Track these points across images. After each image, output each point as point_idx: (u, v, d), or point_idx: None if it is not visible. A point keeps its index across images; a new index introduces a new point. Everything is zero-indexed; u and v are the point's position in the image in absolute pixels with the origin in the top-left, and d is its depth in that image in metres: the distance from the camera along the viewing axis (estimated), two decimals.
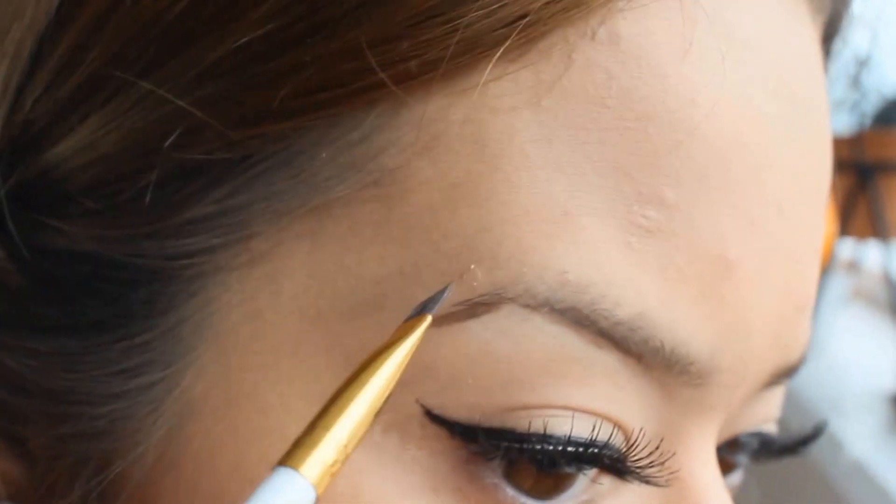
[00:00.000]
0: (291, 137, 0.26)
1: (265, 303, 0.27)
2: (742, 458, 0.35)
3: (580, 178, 0.26)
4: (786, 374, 0.33)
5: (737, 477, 0.37)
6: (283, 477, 0.22)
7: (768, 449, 0.35)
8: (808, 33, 0.31)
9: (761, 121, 0.28)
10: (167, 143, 0.27)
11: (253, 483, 0.27)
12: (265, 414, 0.27)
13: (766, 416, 0.34)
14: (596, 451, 0.27)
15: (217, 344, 0.28)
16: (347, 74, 0.26)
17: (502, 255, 0.26)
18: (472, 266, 0.26)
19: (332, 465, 0.23)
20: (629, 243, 0.27)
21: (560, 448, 0.27)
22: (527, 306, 0.26)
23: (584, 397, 0.27)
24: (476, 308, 0.26)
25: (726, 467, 0.35)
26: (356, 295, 0.27)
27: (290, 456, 0.22)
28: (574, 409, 0.27)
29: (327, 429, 0.23)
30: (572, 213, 0.26)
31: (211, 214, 0.27)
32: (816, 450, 0.38)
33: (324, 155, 0.26)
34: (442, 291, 0.26)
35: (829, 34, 0.36)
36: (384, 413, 0.27)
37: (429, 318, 0.25)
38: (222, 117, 0.26)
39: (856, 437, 0.89)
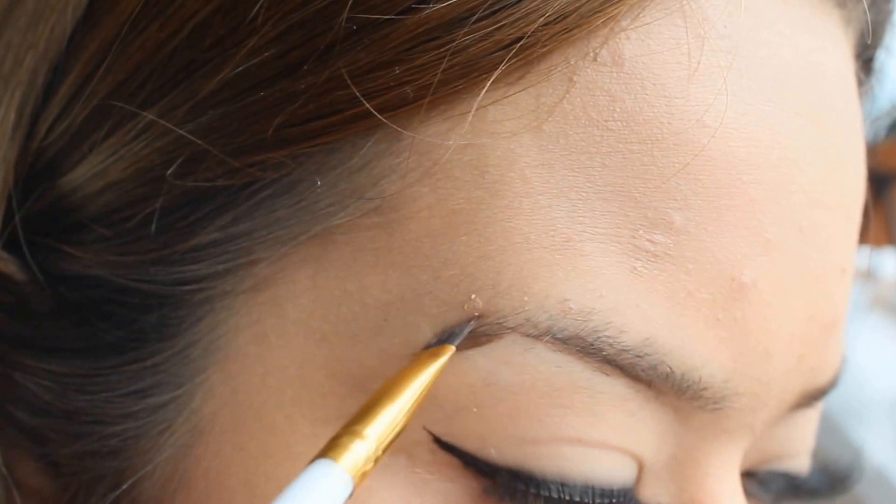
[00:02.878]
0: (291, 165, 0.26)
1: (271, 326, 0.28)
2: (767, 497, 0.34)
3: (583, 203, 0.26)
4: (816, 395, 0.31)
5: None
6: (322, 467, 0.23)
7: (798, 490, 0.34)
8: (836, 47, 0.30)
9: (777, 139, 0.27)
10: (171, 171, 0.27)
11: (263, 498, 0.27)
12: (272, 433, 0.28)
13: (798, 443, 0.33)
14: (612, 498, 0.27)
15: (225, 366, 0.28)
16: (341, 102, 0.26)
17: (503, 283, 0.26)
18: (473, 296, 0.26)
19: (365, 464, 0.23)
20: (634, 268, 0.26)
21: (577, 498, 0.26)
22: (529, 336, 0.26)
23: (593, 429, 0.27)
24: (478, 338, 0.26)
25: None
26: (359, 320, 0.27)
27: (328, 450, 0.23)
28: (586, 444, 0.27)
29: (360, 432, 0.24)
30: (574, 240, 0.26)
31: (215, 241, 0.27)
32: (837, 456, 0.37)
33: (319, 182, 0.26)
34: (465, 326, 0.26)
35: (869, 45, 0.34)
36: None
37: (452, 349, 0.25)
38: (222, 145, 0.26)
39: (876, 444, 0.87)
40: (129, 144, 0.28)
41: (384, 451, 0.24)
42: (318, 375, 0.27)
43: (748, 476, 0.33)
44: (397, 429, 0.24)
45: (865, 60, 0.35)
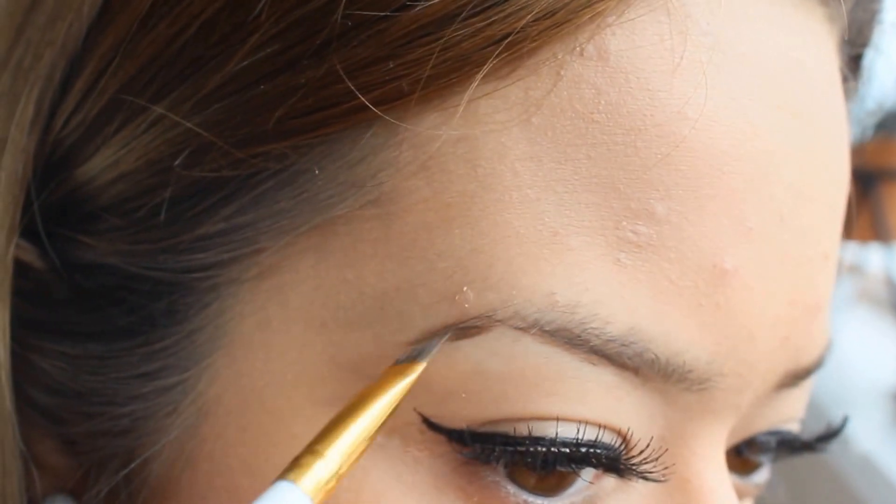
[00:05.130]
0: (292, 157, 0.26)
1: (274, 313, 0.28)
2: (764, 458, 0.34)
3: (569, 195, 0.26)
4: (801, 375, 0.31)
5: (762, 475, 0.35)
6: (283, 488, 0.23)
7: (788, 446, 0.34)
8: (819, 43, 0.30)
9: (758, 132, 0.27)
10: (178, 162, 0.27)
11: (264, 478, 0.27)
12: (273, 415, 0.28)
13: (786, 416, 0.33)
14: (586, 450, 0.27)
15: (230, 351, 0.28)
16: (339, 95, 0.26)
17: (493, 277, 0.26)
18: (465, 288, 0.26)
19: (327, 483, 0.23)
20: (618, 260, 0.26)
21: (552, 449, 0.26)
22: (517, 328, 0.26)
23: (577, 412, 0.27)
24: (467, 330, 0.26)
25: (749, 467, 0.34)
26: (356, 308, 0.27)
27: (289, 471, 0.23)
28: (562, 419, 0.27)
29: (321, 452, 0.24)
30: (560, 234, 0.26)
31: (221, 231, 0.27)
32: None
33: (317, 171, 0.26)
34: (435, 342, 0.26)
35: (856, 43, 0.34)
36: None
37: (420, 368, 0.25)
38: (227, 137, 0.27)
39: (863, 432, 0.87)
40: (139, 137, 0.28)
41: (348, 468, 0.24)
42: (318, 360, 0.27)
43: (746, 444, 0.33)
44: (360, 447, 0.24)
45: (853, 58, 0.35)
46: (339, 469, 0.24)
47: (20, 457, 0.30)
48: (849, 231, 0.36)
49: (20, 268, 0.30)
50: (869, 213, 0.75)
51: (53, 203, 0.30)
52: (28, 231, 0.30)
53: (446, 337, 0.26)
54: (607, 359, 0.26)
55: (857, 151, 0.35)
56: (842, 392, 0.90)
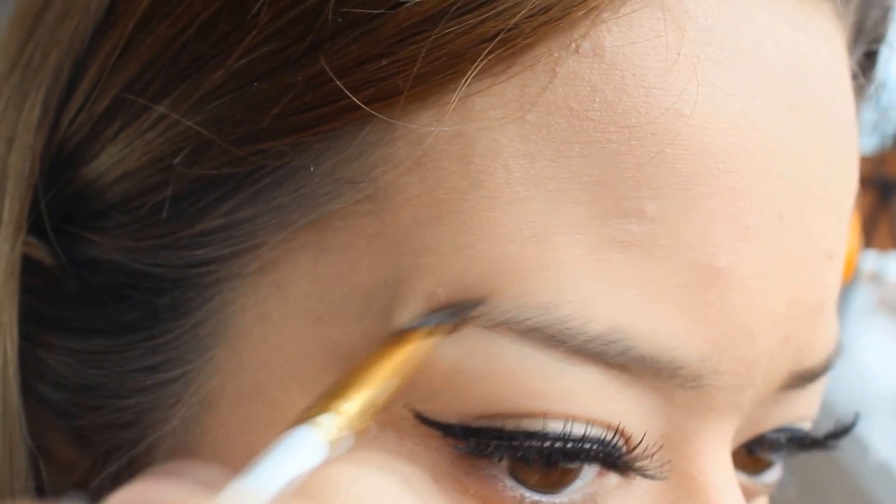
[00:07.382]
0: (290, 154, 0.26)
1: (273, 307, 0.28)
2: (775, 456, 0.33)
3: (560, 193, 0.25)
4: (806, 377, 0.30)
5: (774, 474, 0.34)
6: (300, 432, 0.23)
7: (799, 444, 0.33)
8: (824, 39, 0.29)
9: (757, 129, 0.27)
10: (178, 160, 0.27)
11: None
12: (272, 406, 0.28)
13: (794, 417, 0.32)
14: (578, 445, 0.26)
15: (231, 344, 0.28)
16: (335, 93, 0.25)
17: (468, 278, 0.25)
18: (438, 289, 0.25)
19: (338, 432, 0.23)
20: (603, 258, 0.25)
21: (545, 444, 0.26)
22: (488, 328, 0.25)
23: (564, 409, 0.26)
24: (442, 328, 0.25)
25: (760, 466, 0.33)
26: (349, 302, 0.27)
27: (302, 417, 0.23)
28: (549, 415, 0.26)
29: (343, 396, 0.24)
30: (544, 233, 0.25)
31: (221, 227, 0.27)
32: (844, 451, 0.36)
33: (312, 168, 0.26)
34: (440, 317, 0.25)
35: (868, 40, 0.33)
36: (379, 413, 0.26)
37: (433, 332, 0.25)
38: (226, 135, 0.26)
39: (881, 439, 0.86)
40: (142, 135, 0.28)
41: (367, 418, 0.24)
42: (314, 353, 0.27)
43: (756, 442, 0.32)
44: (371, 406, 0.24)
45: (866, 55, 0.34)
46: (357, 419, 0.24)
47: (28, 451, 0.30)
48: (868, 240, 0.34)
49: (28, 264, 0.30)
50: (888, 222, 0.73)
51: (60, 201, 0.30)
52: (36, 228, 0.30)
53: (450, 313, 0.25)
54: (589, 358, 0.26)
55: (878, 160, 0.34)
56: (860, 399, 0.88)
